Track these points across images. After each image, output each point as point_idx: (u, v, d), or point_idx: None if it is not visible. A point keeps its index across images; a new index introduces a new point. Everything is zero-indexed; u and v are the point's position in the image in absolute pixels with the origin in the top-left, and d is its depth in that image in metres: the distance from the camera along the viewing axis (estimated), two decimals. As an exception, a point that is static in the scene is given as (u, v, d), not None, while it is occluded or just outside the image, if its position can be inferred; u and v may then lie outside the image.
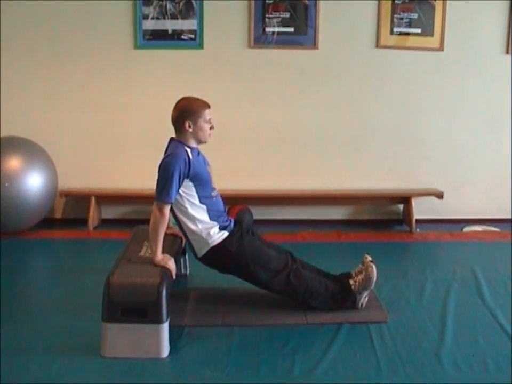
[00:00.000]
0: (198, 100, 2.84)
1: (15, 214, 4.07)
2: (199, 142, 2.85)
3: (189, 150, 2.77)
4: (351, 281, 2.88)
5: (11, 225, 4.14)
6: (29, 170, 4.11)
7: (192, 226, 2.79)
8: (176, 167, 2.65)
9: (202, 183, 2.79)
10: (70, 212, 4.69)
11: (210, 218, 2.81)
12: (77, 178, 4.60)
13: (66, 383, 2.28)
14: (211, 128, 2.84)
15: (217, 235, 2.80)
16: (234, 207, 4.48)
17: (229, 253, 2.81)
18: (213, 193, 2.87)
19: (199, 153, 2.88)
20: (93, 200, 4.49)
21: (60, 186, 4.46)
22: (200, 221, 2.78)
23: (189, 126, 2.78)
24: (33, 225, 4.28)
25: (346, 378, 2.33)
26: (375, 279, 2.88)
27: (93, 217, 4.48)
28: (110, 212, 4.72)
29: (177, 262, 2.82)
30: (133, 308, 2.45)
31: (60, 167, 4.42)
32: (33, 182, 4.10)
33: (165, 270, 2.60)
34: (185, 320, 2.83)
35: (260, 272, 2.83)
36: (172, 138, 2.88)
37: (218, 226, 2.82)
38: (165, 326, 2.49)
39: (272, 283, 2.84)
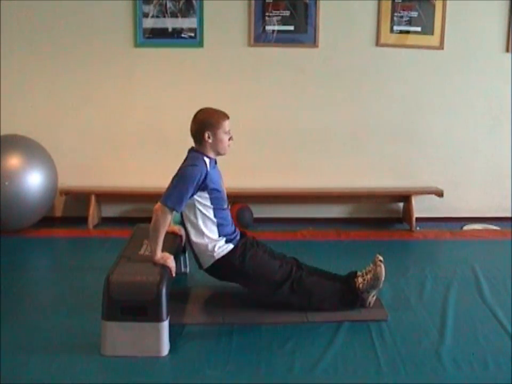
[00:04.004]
0: (217, 111, 2.83)
1: (15, 213, 4.07)
2: (218, 153, 2.85)
3: (207, 161, 2.77)
4: (360, 280, 2.88)
5: (11, 224, 4.14)
6: (29, 168, 4.10)
7: (199, 240, 2.80)
8: (192, 178, 2.66)
9: (217, 195, 2.80)
10: (70, 210, 4.69)
11: (219, 234, 2.82)
12: (77, 177, 4.59)
13: (66, 382, 2.28)
14: (230, 139, 2.83)
15: (222, 248, 2.81)
16: (234, 205, 4.51)
17: (233, 266, 2.82)
18: (225, 206, 2.89)
19: (216, 163, 2.89)
20: (93, 198, 4.49)
21: (60, 184, 4.46)
22: (208, 237, 2.80)
23: (208, 137, 2.77)
24: (33, 223, 4.29)
25: (346, 377, 2.33)
26: (383, 278, 2.88)
27: (93, 215, 4.48)
28: (110, 210, 4.72)
29: (177, 260, 2.82)
30: (133, 306, 2.45)
31: (59, 165, 4.42)
32: (33, 181, 4.10)
33: (165, 268, 2.60)
34: (185, 319, 2.83)
35: (263, 285, 2.85)
36: (191, 148, 2.86)
37: (224, 240, 2.83)
38: (165, 324, 2.49)
39: (276, 295, 2.85)
